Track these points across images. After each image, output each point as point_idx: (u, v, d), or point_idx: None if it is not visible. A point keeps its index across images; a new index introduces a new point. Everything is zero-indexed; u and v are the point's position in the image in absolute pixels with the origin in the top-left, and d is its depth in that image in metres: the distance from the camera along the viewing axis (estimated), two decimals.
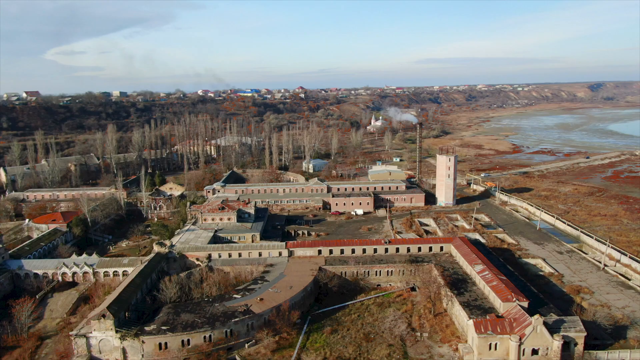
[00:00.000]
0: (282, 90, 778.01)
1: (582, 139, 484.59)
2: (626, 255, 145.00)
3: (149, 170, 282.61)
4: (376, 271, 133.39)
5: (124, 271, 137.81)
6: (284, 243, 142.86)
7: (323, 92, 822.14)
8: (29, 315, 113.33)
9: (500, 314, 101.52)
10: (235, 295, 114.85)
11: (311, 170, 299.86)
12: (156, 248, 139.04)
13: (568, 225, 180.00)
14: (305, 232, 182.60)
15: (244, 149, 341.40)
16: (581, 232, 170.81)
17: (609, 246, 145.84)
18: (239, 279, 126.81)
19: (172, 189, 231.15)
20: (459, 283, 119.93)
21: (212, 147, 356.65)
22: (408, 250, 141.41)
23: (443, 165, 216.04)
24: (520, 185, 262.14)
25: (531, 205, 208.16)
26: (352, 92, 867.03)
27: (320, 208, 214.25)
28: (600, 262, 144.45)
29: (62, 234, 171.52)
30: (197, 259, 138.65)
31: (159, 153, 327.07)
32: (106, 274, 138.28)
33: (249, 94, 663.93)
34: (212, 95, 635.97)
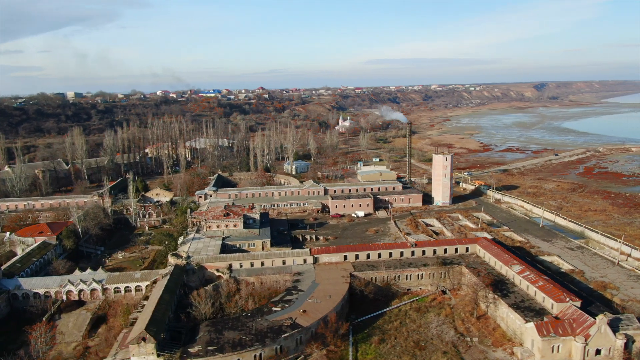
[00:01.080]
0: (244, 91, 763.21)
1: (543, 136, 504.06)
2: (637, 249, 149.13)
3: (128, 176, 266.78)
4: (407, 275, 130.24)
5: (136, 286, 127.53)
6: (307, 250, 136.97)
7: (284, 92, 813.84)
8: (47, 341, 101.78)
9: (555, 315, 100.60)
10: (274, 308, 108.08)
11: (294, 172, 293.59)
12: (172, 260, 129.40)
13: (570, 221, 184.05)
14: (313, 236, 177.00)
15: (222, 152, 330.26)
16: (585, 227, 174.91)
17: (621, 242, 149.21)
18: (270, 290, 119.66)
19: (160, 194, 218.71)
20: (498, 284, 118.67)
21: (187, 150, 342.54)
22: (434, 252, 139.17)
23: (440, 164, 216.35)
24: (504, 182, 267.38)
25: (527, 203, 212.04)
26: (313, 92, 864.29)
27: (319, 211, 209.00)
28: (614, 258, 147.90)
29: (52, 247, 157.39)
30: (218, 270, 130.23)
31: (132, 157, 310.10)
32: (117, 290, 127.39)
33: (212, 95, 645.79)
34: (174, 96, 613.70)
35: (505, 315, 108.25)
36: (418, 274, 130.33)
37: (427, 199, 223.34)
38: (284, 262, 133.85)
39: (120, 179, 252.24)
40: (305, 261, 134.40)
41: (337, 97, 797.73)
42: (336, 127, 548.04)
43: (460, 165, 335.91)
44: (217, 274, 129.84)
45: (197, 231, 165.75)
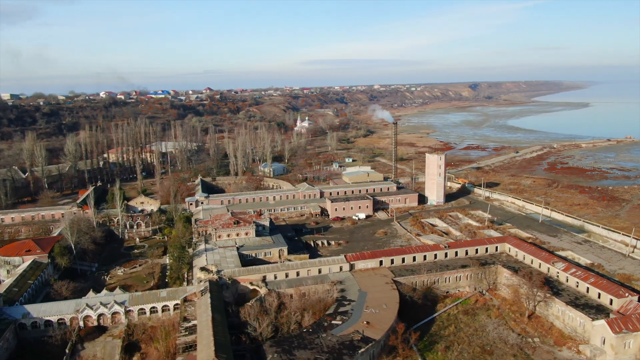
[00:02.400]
0: (192, 92, 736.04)
1: (495, 134, 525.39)
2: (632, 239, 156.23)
3: (99, 183, 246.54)
4: (446, 278, 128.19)
5: (163, 306, 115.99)
6: (343, 256, 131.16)
7: (234, 93, 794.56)
8: None
9: (617, 311, 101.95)
10: (334, 322, 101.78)
11: (271, 175, 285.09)
12: (202, 275, 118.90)
13: (567, 216, 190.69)
14: (324, 242, 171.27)
15: (192, 155, 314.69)
16: (584, 222, 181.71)
17: (632, 237, 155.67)
18: (316, 302, 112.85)
19: (144, 203, 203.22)
20: (544, 283, 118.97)
21: (152, 154, 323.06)
22: (466, 253, 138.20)
23: (434, 164, 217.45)
24: (486, 179, 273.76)
25: (518, 199, 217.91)
26: (263, 92, 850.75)
27: (318, 214, 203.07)
28: (619, 250, 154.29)
29: (45, 267, 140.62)
30: (252, 283, 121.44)
31: (94, 163, 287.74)
32: (141, 312, 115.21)
33: (161, 96, 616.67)
34: (121, 97, 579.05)
35: (561, 314, 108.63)
36: (456, 276, 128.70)
37: (421, 198, 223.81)
38: (319, 271, 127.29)
39: (94, 187, 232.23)
40: (341, 269, 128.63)
41: (287, 97, 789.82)
42: (295, 128, 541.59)
43: None
44: (251, 287, 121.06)
45: (206, 241, 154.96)
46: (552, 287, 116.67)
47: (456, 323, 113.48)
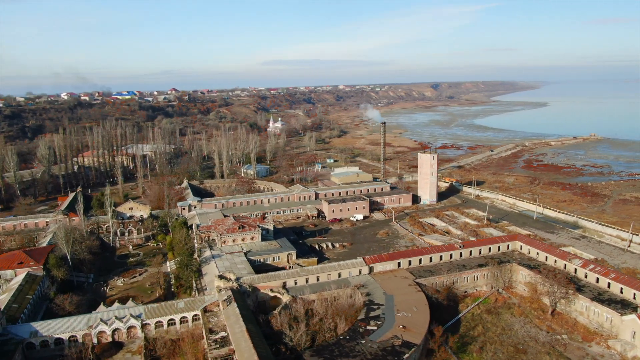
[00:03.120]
0: (156, 92, 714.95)
1: (466, 133, 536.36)
2: (638, 235, 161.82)
3: (79, 189, 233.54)
4: (464, 277, 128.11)
5: (182, 318, 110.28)
6: (361, 259, 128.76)
7: (200, 93, 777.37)
8: None
9: None
10: (369, 327, 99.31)
11: (255, 177, 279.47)
12: (221, 283, 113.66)
13: (560, 212, 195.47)
14: (329, 244, 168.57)
15: (169, 157, 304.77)
16: (578, 218, 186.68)
17: (631, 232, 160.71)
18: (343, 306, 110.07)
19: (133, 208, 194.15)
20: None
21: (127, 157, 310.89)
22: (480, 252, 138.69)
23: (427, 163, 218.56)
24: (467, 178, 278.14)
25: (508, 197, 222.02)
26: (230, 93, 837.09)
27: (315, 216, 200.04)
28: (616, 244, 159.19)
29: (40, 280, 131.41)
30: (272, 290, 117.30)
31: (69, 167, 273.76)
32: (159, 325, 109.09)
33: (127, 97, 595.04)
34: (86, 98, 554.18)
35: (585, 310, 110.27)
36: (474, 276, 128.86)
37: (414, 198, 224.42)
38: (339, 275, 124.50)
39: (75, 192, 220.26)
40: (360, 272, 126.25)
41: (255, 98, 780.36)
42: (268, 129, 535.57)
43: (414, 163, 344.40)
44: (271, 294, 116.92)
45: (210, 247, 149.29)
46: (574, 283, 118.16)
47: (482, 323, 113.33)
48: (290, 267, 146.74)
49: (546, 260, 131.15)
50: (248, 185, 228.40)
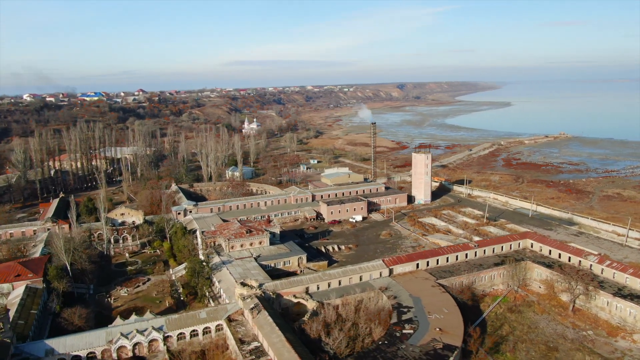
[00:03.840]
0: (123, 94, 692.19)
1: (440, 133, 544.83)
2: (633, 230, 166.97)
3: (61, 194, 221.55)
4: (482, 277, 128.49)
5: (205, 329, 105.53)
6: (381, 261, 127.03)
7: (169, 94, 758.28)
8: None
9: None
10: (405, 331, 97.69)
11: (241, 179, 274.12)
12: (244, 291, 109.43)
13: (554, 209, 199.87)
14: (335, 246, 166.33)
15: (151, 160, 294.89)
16: (573, 214, 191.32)
17: (629, 228, 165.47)
18: (372, 310, 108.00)
19: (125, 214, 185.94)
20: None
21: (105, 161, 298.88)
22: (493, 250, 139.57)
23: (422, 163, 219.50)
24: (453, 177, 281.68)
25: (500, 195, 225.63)
26: (199, 94, 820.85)
27: (313, 218, 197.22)
28: (612, 239, 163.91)
29: (41, 293, 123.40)
30: (295, 296, 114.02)
31: (45, 172, 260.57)
32: (181, 337, 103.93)
33: (95, 98, 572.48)
34: (52, 100, 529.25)
35: (607, 305, 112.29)
36: (491, 275, 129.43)
37: (409, 198, 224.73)
38: (360, 278, 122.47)
39: (57, 199, 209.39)
40: (380, 274, 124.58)
41: (226, 99, 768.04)
42: (244, 130, 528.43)
43: (397, 163, 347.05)
44: (295, 300, 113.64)
45: (218, 253, 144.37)
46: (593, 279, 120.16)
47: (507, 322, 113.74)
48: (301, 271, 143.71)
49: (559, 257, 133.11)
50: (242, 188, 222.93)
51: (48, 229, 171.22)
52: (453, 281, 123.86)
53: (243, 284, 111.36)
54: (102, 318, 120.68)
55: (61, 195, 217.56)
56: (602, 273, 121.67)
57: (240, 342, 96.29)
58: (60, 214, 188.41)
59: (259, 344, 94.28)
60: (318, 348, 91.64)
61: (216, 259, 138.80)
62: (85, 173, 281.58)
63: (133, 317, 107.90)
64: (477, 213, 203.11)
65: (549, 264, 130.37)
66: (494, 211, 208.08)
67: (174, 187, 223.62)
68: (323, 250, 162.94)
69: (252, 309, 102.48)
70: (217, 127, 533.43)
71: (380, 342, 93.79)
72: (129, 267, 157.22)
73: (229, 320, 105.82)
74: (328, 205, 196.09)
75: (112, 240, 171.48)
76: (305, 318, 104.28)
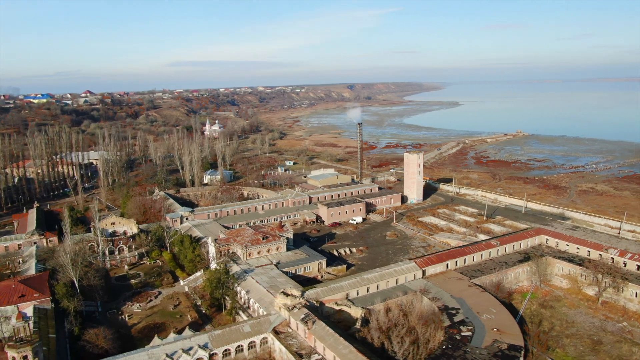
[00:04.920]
0: (70, 95, 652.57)
1: (402, 133, 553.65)
2: (625, 223, 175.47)
3: (36, 204, 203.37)
4: (509, 274, 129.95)
5: (250, 343, 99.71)
6: (414, 263, 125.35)
7: (119, 95, 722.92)
8: None
9: None
10: (463, 333, 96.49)
11: (218, 183, 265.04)
12: (287, 301, 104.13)
13: (545, 205, 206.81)
14: (347, 249, 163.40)
15: (124, 165, 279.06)
16: (564, 209, 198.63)
17: (624, 221, 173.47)
18: (429, 313, 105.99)
19: (115, 224, 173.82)
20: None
21: (71, 166, 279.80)
22: (513, 247, 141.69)
23: (414, 163, 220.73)
24: (434, 176, 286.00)
25: (488, 192, 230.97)
26: (151, 95, 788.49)
27: (313, 221, 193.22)
28: (606, 232, 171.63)
29: (52, 314, 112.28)
30: (337, 303, 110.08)
31: (9, 179, 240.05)
32: (226, 354, 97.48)
33: (44, 100, 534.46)
34: None
35: (635, 297, 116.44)
36: (517, 272, 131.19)
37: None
38: (396, 281, 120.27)
39: (34, 209, 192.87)
40: (414, 276, 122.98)
41: (181, 100, 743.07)
42: (206, 132, 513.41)
43: (372, 163, 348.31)
44: (337, 307, 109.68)
45: (234, 261, 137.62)
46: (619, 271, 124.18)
47: (544, 318, 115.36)
48: (321, 276, 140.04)
49: (578, 251, 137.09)
50: (235, 192, 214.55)
51: (34, 243, 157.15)
52: (485, 280, 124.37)
53: (285, 294, 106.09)
54: (125, 338, 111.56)
55: (36, 205, 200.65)
56: (625, 265, 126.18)
57: (298, 355, 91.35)
58: (42, 226, 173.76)
59: (320, 357, 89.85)
60: (385, 357, 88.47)
61: (235, 268, 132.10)
62: (52, 180, 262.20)
63: (172, 335, 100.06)
64: (472, 211, 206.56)
65: (569, 258, 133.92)
66: (489, 208, 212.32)
67: (160, 193, 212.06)
68: (335, 253, 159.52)
69: (304, 319, 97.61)
70: (178, 130, 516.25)
71: (444, 347, 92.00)
72: (132, 281, 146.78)
73: (276, 332, 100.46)
74: (328, 207, 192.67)
75: (106, 252, 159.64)
76: (358, 325, 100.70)
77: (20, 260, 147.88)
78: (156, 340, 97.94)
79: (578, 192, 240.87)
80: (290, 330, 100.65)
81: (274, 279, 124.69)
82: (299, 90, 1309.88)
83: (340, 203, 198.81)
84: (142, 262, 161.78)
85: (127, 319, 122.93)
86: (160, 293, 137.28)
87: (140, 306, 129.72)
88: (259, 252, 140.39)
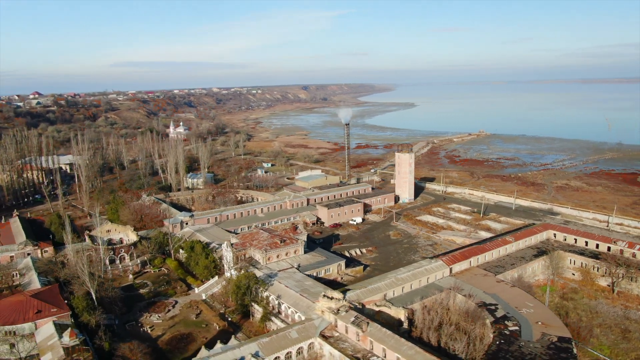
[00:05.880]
0: (17, 97, 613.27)
1: (369, 133, 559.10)
2: (612, 216, 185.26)
3: (15, 213, 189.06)
4: (527, 268, 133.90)
5: (298, 349, 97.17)
6: (441, 262, 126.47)
7: (70, 97, 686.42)
8: None
9: None
10: (511, 328, 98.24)
11: (201, 187, 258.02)
12: (332, 304, 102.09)
13: (532, 201, 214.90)
14: (357, 250, 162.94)
15: (98, 169, 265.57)
16: (552, 205, 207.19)
17: (613, 215, 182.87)
18: (473, 309, 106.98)
19: (111, 231, 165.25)
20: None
21: (41, 171, 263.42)
22: (525, 243, 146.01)
23: (406, 162, 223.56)
24: (418, 175, 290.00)
25: (476, 190, 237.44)
26: (104, 97, 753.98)
27: (313, 223, 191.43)
28: (596, 225, 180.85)
29: (74, 329, 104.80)
30: (376, 304, 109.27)
31: None
32: None
33: None
34: None
35: None
36: (534, 266, 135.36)
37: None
38: (427, 280, 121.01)
39: (16, 218, 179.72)
40: (443, 274, 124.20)
41: (137, 102, 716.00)
42: (170, 135, 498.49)
43: (350, 163, 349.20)
44: (376, 308, 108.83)
45: (255, 267, 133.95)
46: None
47: (569, 310, 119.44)
48: (341, 278, 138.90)
49: (586, 244, 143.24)
50: (231, 195, 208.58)
51: (28, 254, 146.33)
52: (507, 275, 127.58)
53: (328, 297, 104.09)
54: (158, 352, 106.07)
55: (15, 214, 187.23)
56: (634, 257, 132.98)
57: (355, 359, 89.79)
58: (30, 236, 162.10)
59: (379, 359, 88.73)
60: (448, 355, 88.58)
61: (258, 273, 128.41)
62: (19, 187, 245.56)
63: (218, 345, 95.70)
64: (466, 209, 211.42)
65: (580, 251, 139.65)
66: (477, 206, 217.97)
67: (149, 198, 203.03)
68: (347, 254, 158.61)
69: (355, 322, 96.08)
70: (141, 132, 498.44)
71: (497, 342, 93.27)
72: (142, 290, 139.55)
73: (323, 337, 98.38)
74: (328, 208, 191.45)
75: (107, 262, 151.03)
76: (405, 325, 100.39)
77: (16, 273, 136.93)
78: (203, 351, 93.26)
79: (555, 189, 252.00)
80: (337, 334, 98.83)
81: (301, 283, 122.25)
82: (255, 91, 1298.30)
83: (339, 204, 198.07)
84: (145, 270, 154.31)
85: (149, 331, 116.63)
86: (176, 302, 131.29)
87: (159, 317, 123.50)
88: (277, 256, 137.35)
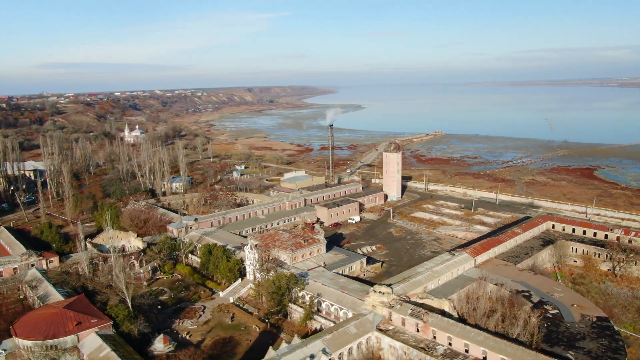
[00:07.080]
0: None
1: (327, 135, 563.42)
2: (591, 207, 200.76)
3: None
4: (538, 258, 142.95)
5: (358, 343, 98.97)
6: (466, 254, 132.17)
7: (7, 99, 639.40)
8: None
9: None
10: (552, 312, 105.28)
11: (181, 190, 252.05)
12: (384, 298, 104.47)
13: (513, 196, 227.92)
14: (368, 247, 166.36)
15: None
16: (533, 199, 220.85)
17: (593, 207, 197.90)
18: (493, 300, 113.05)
19: (113, 237, 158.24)
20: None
21: (2, 179, 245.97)
22: (530, 234, 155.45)
23: (394, 162, 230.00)
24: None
25: (458, 187, 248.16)
26: (45, 100, 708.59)
27: (314, 223, 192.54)
28: (578, 217, 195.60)
29: (120, 340, 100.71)
30: (419, 297, 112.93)
31: None
32: (340, 357, 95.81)
33: None
34: None
35: None
36: (543, 255, 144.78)
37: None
38: (458, 271, 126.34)
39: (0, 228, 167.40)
40: (469, 266, 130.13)
41: (81, 105, 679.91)
42: (126, 138, 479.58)
43: (320, 164, 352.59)
44: (420, 301, 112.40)
45: (281, 267, 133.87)
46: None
47: (584, 293, 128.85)
48: (363, 275, 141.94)
49: (584, 233, 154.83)
50: (230, 197, 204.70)
51: (32, 265, 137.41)
52: (524, 264, 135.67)
53: (380, 292, 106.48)
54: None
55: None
56: (630, 242, 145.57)
57: (421, 349, 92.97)
58: (27, 246, 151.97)
59: (445, 347, 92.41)
60: (508, 339, 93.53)
61: (287, 273, 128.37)
62: (18, 193, 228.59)
63: (284, 345, 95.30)
64: (454, 204, 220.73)
65: (581, 240, 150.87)
66: (462, 201, 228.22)
67: (141, 203, 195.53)
68: (359, 252, 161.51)
69: (413, 313, 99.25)
70: (96, 136, 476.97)
71: (545, 325, 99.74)
72: (161, 297, 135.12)
73: (380, 330, 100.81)
74: (328, 208, 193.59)
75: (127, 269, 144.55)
76: (455, 315, 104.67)
77: (24, 286, 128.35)
78: (271, 352, 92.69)
79: (525, 184, 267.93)
80: (392, 326, 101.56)
81: (335, 281, 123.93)
82: (200, 93, 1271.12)
83: (337, 204, 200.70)
84: (156, 277, 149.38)
85: (187, 337, 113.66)
86: (205, 307, 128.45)
87: (192, 322, 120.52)
88: (302, 256, 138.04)
